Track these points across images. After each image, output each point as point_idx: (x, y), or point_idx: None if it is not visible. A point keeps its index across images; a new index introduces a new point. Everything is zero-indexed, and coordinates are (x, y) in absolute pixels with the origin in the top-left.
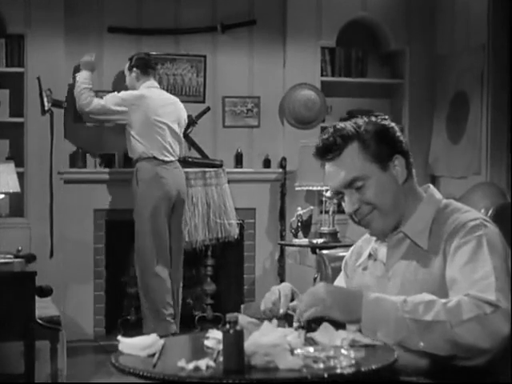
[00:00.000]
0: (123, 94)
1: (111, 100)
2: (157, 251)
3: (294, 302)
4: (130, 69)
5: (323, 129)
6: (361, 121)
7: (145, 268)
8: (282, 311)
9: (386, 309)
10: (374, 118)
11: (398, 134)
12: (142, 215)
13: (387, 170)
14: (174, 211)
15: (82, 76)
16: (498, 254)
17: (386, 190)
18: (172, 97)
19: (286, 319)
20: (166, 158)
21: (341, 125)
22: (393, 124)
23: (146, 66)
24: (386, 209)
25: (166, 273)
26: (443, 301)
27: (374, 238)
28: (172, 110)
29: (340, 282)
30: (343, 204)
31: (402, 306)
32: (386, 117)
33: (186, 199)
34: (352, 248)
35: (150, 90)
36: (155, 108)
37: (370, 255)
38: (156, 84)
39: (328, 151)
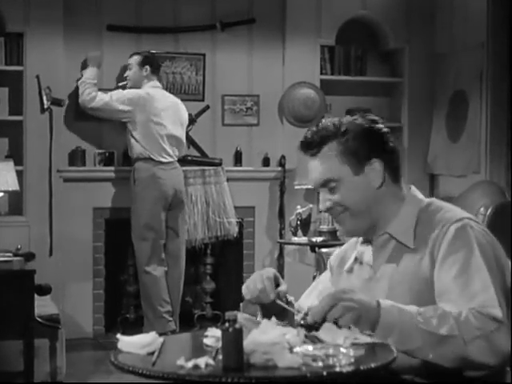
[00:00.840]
0: (129, 92)
1: (116, 97)
2: (151, 250)
3: (282, 288)
4: (142, 65)
5: (301, 143)
6: (347, 119)
7: (139, 266)
8: (272, 296)
9: (402, 317)
10: (361, 119)
11: (385, 137)
12: (138, 214)
13: (361, 173)
14: (171, 211)
15: (88, 72)
16: (489, 260)
17: (358, 194)
18: (172, 97)
19: (274, 307)
20: (164, 160)
21: (325, 123)
22: (381, 126)
23: (156, 65)
24: (356, 211)
25: (159, 271)
26: (454, 315)
27: (360, 242)
28: (174, 111)
29: (324, 279)
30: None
31: (417, 316)
32: (376, 118)
33: (184, 199)
34: (337, 251)
35: (155, 91)
36: (157, 109)
37: (355, 259)
38: (159, 84)
39: (308, 147)
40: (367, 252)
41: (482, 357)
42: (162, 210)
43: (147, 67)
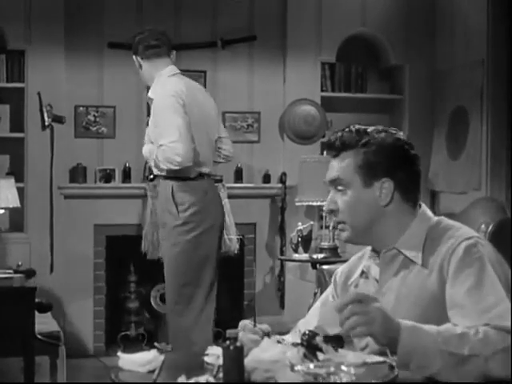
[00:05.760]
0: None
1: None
2: None
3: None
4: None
5: (323, 144)
6: (372, 131)
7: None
8: (251, 325)
9: (424, 339)
10: (384, 134)
11: (404, 158)
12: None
13: (370, 187)
14: None
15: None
16: (500, 276)
17: (361, 207)
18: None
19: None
20: None
21: (348, 130)
22: (403, 146)
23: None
24: (354, 224)
25: None
26: (472, 332)
27: (366, 257)
28: None
29: (326, 295)
30: None
31: (437, 336)
32: (402, 137)
33: None
34: (342, 267)
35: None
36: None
37: (362, 273)
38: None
39: (329, 149)
40: (374, 266)
41: (503, 371)
42: None
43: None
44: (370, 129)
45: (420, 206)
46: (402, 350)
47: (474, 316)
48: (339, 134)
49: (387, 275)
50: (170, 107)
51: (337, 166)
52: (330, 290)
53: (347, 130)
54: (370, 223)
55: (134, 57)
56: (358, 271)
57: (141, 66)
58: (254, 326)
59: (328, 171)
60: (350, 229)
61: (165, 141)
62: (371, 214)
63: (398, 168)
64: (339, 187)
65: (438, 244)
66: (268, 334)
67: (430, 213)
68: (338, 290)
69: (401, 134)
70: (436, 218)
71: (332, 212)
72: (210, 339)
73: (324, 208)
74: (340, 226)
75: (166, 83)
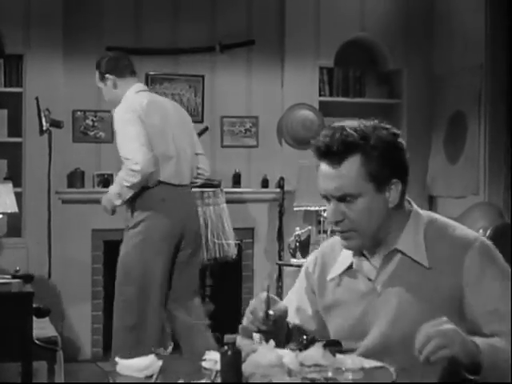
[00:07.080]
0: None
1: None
2: None
3: (278, 306)
4: (103, 77)
5: (316, 150)
6: (370, 129)
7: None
8: (261, 314)
9: (500, 359)
10: (384, 131)
11: (405, 157)
12: None
13: (382, 191)
14: None
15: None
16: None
17: (374, 213)
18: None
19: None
20: None
21: (349, 130)
22: (402, 142)
23: (122, 64)
24: (367, 231)
25: None
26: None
27: (347, 252)
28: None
29: (299, 292)
30: (327, 206)
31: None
32: (398, 132)
33: None
34: (313, 257)
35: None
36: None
37: (349, 269)
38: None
39: (328, 155)
40: (366, 264)
41: None
42: None
43: (109, 76)
44: (366, 125)
45: (410, 202)
46: (485, 373)
47: (508, 317)
48: (337, 135)
49: (383, 275)
50: (126, 120)
51: (340, 180)
52: (303, 283)
53: (341, 130)
54: (380, 227)
55: (107, 75)
56: (339, 266)
57: (115, 85)
58: (267, 313)
59: (325, 182)
60: (360, 236)
61: (123, 152)
62: (382, 217)
63: (403, 165)
64: (347, 199)
65: (439, 244)
66: (276, 321)
67: (420, 210)
68: (315, 288)
69: (388, 126)
70: (426, 215)
71: (338, 223)
72: (156, 340)
73: (328, 220)
74: (347, 235)
75: (127, 100)
